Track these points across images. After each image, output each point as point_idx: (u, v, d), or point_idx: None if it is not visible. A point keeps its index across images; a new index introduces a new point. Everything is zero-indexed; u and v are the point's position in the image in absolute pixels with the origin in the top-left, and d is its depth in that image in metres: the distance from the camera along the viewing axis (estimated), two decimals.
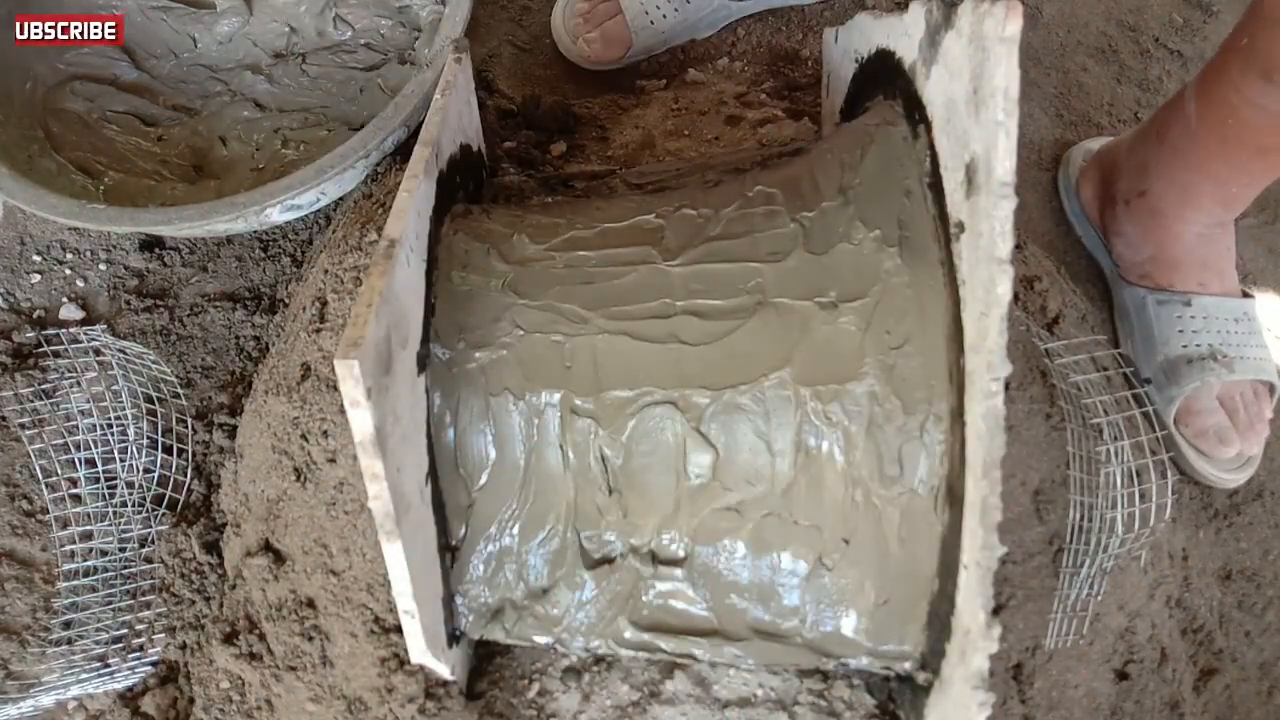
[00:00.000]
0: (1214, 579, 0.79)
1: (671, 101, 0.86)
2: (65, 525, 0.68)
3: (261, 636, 0.62)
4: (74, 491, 0.70)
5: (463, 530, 0.52)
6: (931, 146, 0.48)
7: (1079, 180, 0.90)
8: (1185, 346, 0.78)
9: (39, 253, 0.83)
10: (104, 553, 0.68)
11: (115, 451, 0.70)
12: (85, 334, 0.77)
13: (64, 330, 0.78)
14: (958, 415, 0.45)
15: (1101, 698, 0.64)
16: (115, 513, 0.69)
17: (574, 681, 0.56)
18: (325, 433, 0.60)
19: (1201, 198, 0.76)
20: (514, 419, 0.51)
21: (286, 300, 0.79)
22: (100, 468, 0.70)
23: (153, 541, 0.70)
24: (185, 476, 0.72)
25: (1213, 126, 0.72)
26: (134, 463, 0.70)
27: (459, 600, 0.52)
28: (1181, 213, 0.77)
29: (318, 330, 0.63)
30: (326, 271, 0.66)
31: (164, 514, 0.71)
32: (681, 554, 0.51)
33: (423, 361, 0.50)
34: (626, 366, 0.50)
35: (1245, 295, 0.81)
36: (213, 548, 0.69)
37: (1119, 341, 0.84)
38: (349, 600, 0.58)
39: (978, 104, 0.41)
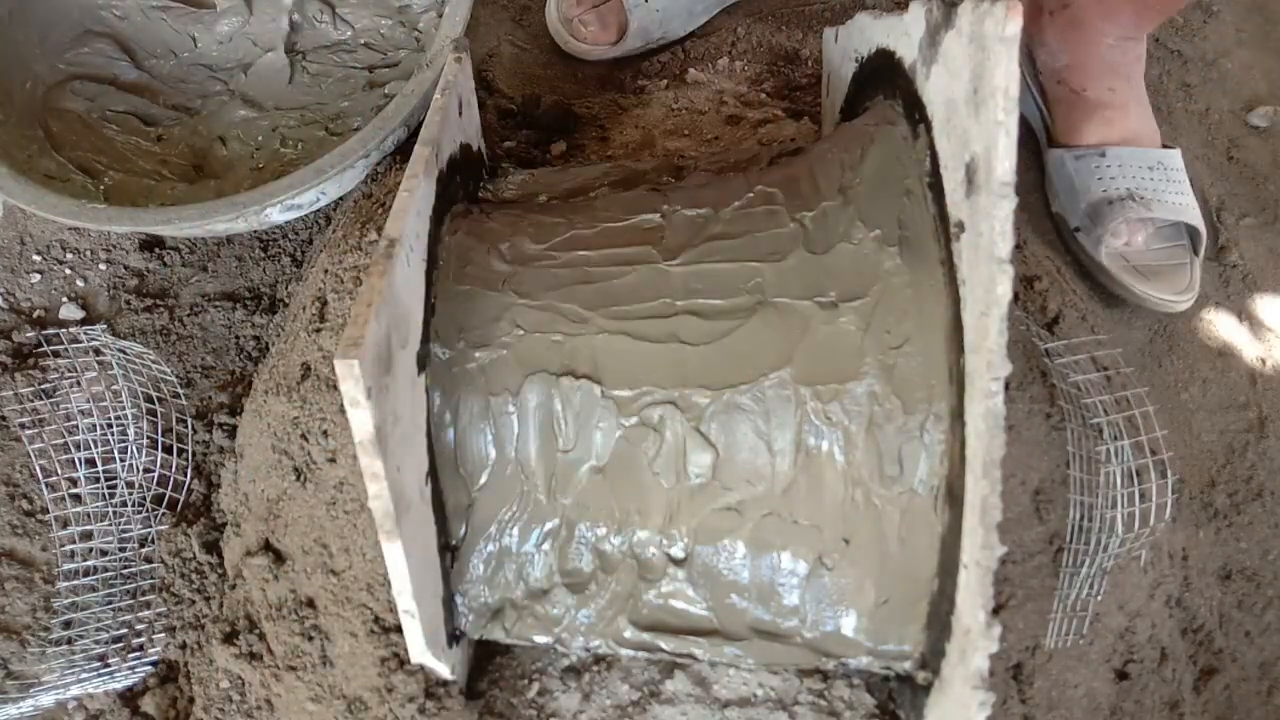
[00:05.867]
0: (1214, 579, 0.78)
1: (671, 101, 0.86)
2: (65, 525, 0.68)
3: (261, 636, 0.62)
4: (74, 491, 0.70)
5: (463, 530, 0.52)
6: (931, 146, 0.48)
7: None
8: (1104, 191, 0.84)
9: (39, 253, 0.83)
10: (104, 553, 0.68)
11: (115, 451, 0.70)
12: (85, 334, 0.77)
13: (64, 330, 0.78)
14: (958, 415, 0.45)
15: (1101, 698, 0.64)
16: (115, 513, 0.69)
17: (574, 681, 0.56)
18: (325, 432, 0.60)
19: (1120, 12, 0.83)
20: (514, 419, 0.51)
21: (286, 300, 0.79)
22: (100, 468, 0.69)
23: (153, 541, 0.70)
24: (185, 476, 0.72)
25: None
26: (134, 463, 0.70)
27: (459, 600, 0.52)
28: (1100, 25, 0.84)
29: (318, 330, 0.63)
30: (326, 271, 0.66)
31: (164, 514, 0.71)
32: (681, 554, 0.51)
33: (423, 361, 0.50)
34: (626, 366, 0.50)
35: (1166, 147, 0.85)
36: (213, 548, 0.69)
37: (1050, 205, 0.89)
38: (349, 600, 0.58)
39: (978, 104, 0.41)
